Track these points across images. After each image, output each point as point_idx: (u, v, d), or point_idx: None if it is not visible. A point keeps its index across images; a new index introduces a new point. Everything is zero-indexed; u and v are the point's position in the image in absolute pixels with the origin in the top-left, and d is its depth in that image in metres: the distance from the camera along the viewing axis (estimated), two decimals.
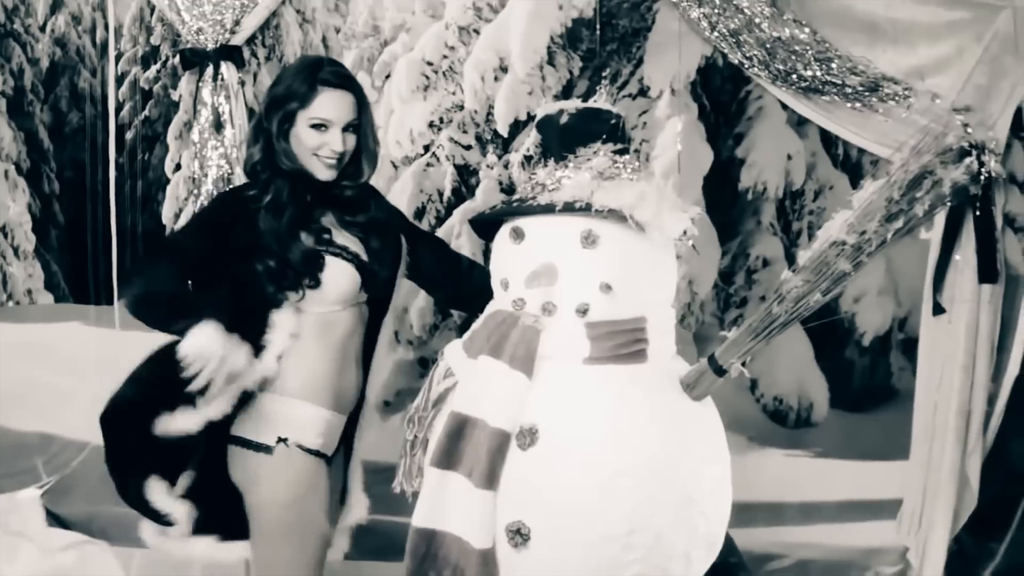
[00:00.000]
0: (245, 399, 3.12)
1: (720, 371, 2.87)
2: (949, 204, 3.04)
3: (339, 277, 3.18)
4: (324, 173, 3.20)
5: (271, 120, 3.19)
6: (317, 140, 3.16)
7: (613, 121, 2.96)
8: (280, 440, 3.17)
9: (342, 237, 3.25)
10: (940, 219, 3.68)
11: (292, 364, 3.17)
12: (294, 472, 3.18)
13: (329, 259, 3.18)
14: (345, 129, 3.19)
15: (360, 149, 3.26)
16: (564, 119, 2.94)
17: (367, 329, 3.38)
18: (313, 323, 3.19)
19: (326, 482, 3.29)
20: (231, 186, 3.23)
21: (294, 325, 3.12)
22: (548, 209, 2.80)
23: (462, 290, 3.58)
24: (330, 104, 3.17)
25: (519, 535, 2.70)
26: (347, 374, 3.30)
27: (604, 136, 2.91)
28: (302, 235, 3.15)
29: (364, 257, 3.26)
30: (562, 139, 2.92)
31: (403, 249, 3.43)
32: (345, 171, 3.25)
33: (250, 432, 3.18)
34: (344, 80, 3.23)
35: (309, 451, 3.20)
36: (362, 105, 3.25)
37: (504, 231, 2.96)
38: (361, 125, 3.24)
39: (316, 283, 3.14)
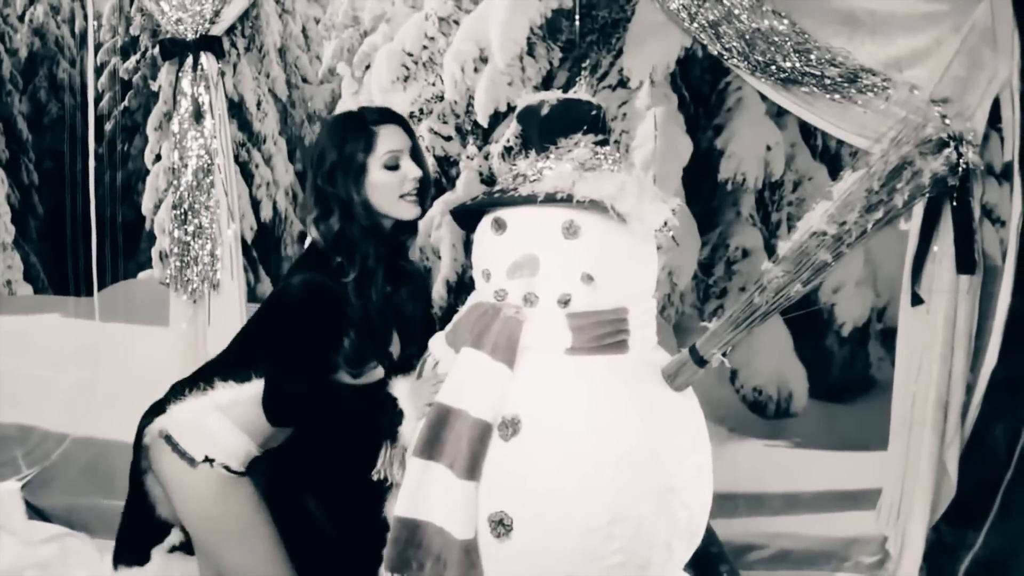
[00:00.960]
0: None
1: (701, 362, 2.87)
2: (928, 195, 3.05)
3: (370, 374, 3.24)
4: (411, 211, 3.23)
5: (344, 180, 3.16)
6: (396, 178, 3.17)
7: (594, 112, 2.97)
8: (207, 459, 3.20)
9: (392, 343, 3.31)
10: (918, 210, 3.69)
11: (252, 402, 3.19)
12: (216, 490, 3.23)
13: None
14: (409, 156, 3.21)
15: (424, 180, 3.28)
16: (545, 110, 2.95)
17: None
18: None
19: (253, 496, 3.30)
20: (303, 277, 3.14)
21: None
22: (530, 200, 2.81)
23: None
24: (391, 137, 3.18)
25: (502, 525, 2.71)
26: None
27: (585, 127, 2.92)
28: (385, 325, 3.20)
29: (397, 353, 3.31)
30: (543, 130, 2.93)
31: (433, 320, 3.50)
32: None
33: (183, 438, 3.22)
34: (391, 115, 3.26)
35: (231, 471, 3.24)
36: (412, 134, 3.27)
37: (486, 222, 2.97)
38: (419, 152, 3.26)
39: (362, 375, 3.19)
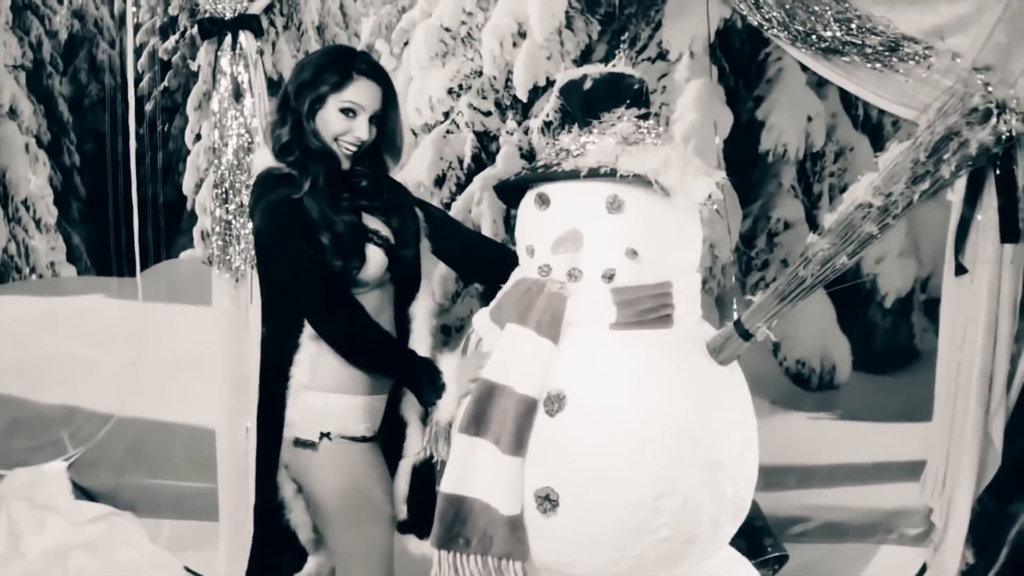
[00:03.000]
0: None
1: (746, 335, 2.86)
2: (975, 165, 3.02)
3: (372, 263, 3.20)
4: (340, 160, 3.23)
5: (302, 100, 3.19)
6: (343, 126, 3.18)
7: (637, 86, 2.95)
8: (323, 435, 3.20)
9: (371, 221, 3.26)
10: (961, 179, 3.66)
11: (321, 357, 3.20)
12: (344, 462, 3.22)
13: (368, 247, 3.19)
14: (371, 119, 3.21)
15: (380, 142, 3.29)
16: (588, 84, 2.93)
17: (396, 306, 3.38)
18: None
19: (380, 463, 3.32)
20: (265, 173, 3.21)
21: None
22: (573, 175, 2.80)
23: (473, 262, 3.62)
24: (363, 91, 3.19)
25: (548, 501, 2.71)
26: None
27: (628, 101, 2.90)
28: (339, 217, 3.16)
29: (392, 239, 3.27)
30: (586, 104, 2.92)
31: (421, 224, 3.44)
32: (365, 162, 3.29)
33: (298, 430, 3.21)
34: (376, 72, 3.26)
35: (356, 439, 3.23)
36: (389, 100, 3.27)
37: (529, 197, 2.96)
38: (387, 119, 3.27)
39: (362, 261, 3.16)
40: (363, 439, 3.25)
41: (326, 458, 3.20)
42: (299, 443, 3.21)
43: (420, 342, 3.32)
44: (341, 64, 3.19)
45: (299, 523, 3.35)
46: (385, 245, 3.23)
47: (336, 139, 3.19)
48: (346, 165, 3.23)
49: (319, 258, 3.07)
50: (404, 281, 3.36)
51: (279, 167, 3.22)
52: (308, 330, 3.18)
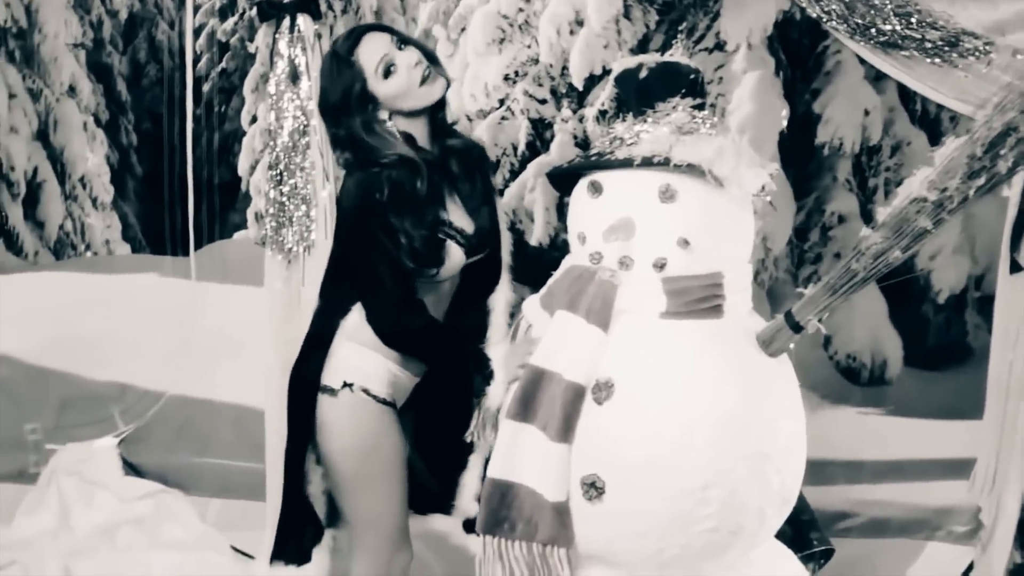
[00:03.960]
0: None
1: (797, 328, 2.85)
2: None
3: (451, 258, 3.23)
4: (439, 88, 3.24)
5: (356, 118, 3.22)
6: (398, 80, 3.19)
7: (692, 76, 2.95)
8: (346, 385, 3.22)
9: (453, 210, 3.28)
10: (1018, 176, 3.63)
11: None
12: (360, 418, 3.24)
13: (447, 243, 3.21)
14: (399, 49, 3.21)
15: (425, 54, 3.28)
16: (643, 74, 2.93)
17: (466, 294, 3.40)
18: None
19: (399, 432, 3.32)
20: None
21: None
22: (626, 163, 2.79)
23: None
24: (370, 47, 3.21)
25: (594, 488, 2.72)
26: None
27: (683, 91, 2.90)
28: (417, 232, 3.17)
29: (470, 230, 3.29)
30: (640, 94, 2.91)
31: (493, 189, 3.46)
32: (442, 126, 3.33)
33: (326, 377, 3.24)
34: (356, 32, 3.28)
35: (376, 399, 3.24)
36: (386, 29, 3.28)
37: (582, 185, 2.96)
38: (403, 39, 3.26)
39: (440, 264, 3.19)
40: (383, 402, 3.26)
41: (342, 409, 3.23)
42: (323, 390, 3.24)
43: (498, 335, 3.32)
44: (340, 62, 3.24)
45: (316, 495, 3.38)
46: (466, 244, 3.24)
47: (421, 84, 3.20)
48: (432, 94, 3.24)
49: (393, 254, 3.09)
50: (483, 273, 3.38)
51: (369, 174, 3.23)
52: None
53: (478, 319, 3.33)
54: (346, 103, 3.19)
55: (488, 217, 3.38)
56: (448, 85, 3.29)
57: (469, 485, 3.32)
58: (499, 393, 3.02)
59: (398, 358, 3.27)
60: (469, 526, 3.32)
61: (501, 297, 3.37)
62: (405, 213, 3.12)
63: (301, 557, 3.38)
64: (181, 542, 4.79)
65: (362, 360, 3.24)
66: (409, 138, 3.24)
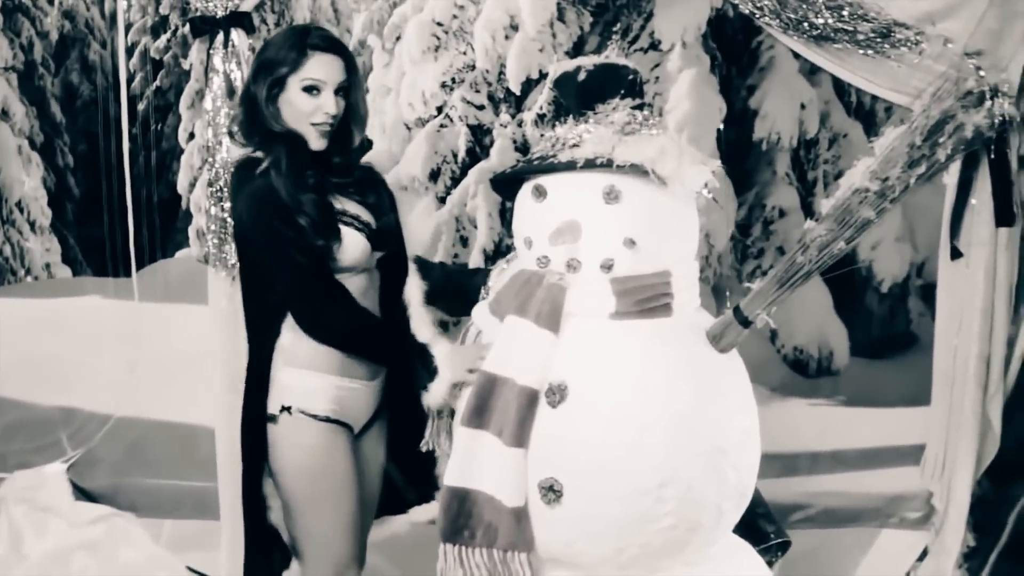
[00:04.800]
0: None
1: (746, 322, 2.87)
2: (971, 149, 3.04)
3: (353, 246, 3.18)
4: (317, 142, 3.20)
5: (259, 84, 3.17)
6: (311, 105, 3.15)
7: (631, 76, 2.96)
8: (284, 408, 3.19)
9: (347, 204, 3.25)
10: (956, 164, 3.67)
11: (299, 338, 3.20)
12: (302, 440, 3.20)
13: (344, 228, 3.18)
14: (336, 92, 3.19)
15: (348, 114, 3.27)
16: (582, 76, 2.93)
17: (383, 290, 3.37)
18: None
19: (348, 451, 3.28)
20: (239, 162, 3.22)
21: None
22: (570, 166, 2.80)
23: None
24: (322, 66, 3.16)
25: (552, 492, 2.72)
26: None
27: (623, 91, 2.91)
28: (305, 196, 3.15)
29: (372, 221, 3.26)
30: (581, 96, 2.92)
31: (394, 197, 3.44)
32: (333, 137, 3.26)
33: (269, 407, 3.21)
34: (333, 44, 3.22)
35: (317, 418, 3.21)
36: (351, 68, 3.25)
37: (526, 189, 2.96)
38: (351, 88, 3.24)
39: (338, 238, 3.14)
40: (326, 419, 3.22)
41: (284, 433, 3.19)
42: (268, 418, 3.21)
43: (422, 328, 3.30)
44: (295, 43, 3.16)
45: (279, 522, 3.35)
46: (365, 229, 3.22)
47: (311, 122, 3.17)
48: (321, 144, 3.20)
49: (300, 240, 3.06)
50: (391, 267, 3.35)
51: (252, 155, 3.22)
52: (289, 318, 3.19)
53: (401, 313, 3.33)
54: (269, 67, 3.17)
55: (395, 220, 3.36)
56: (331, 149, 3.27)
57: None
58: (442, 390, 3.02)
59: (340, 368, 3.24)
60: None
61: (414, 289, 3.36)
62: (289, 187, 3.10)
63: None
64: (135, 565, 4.75)
65: (299, 381, 3.20)
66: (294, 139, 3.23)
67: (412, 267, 3.37)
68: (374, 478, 3.43)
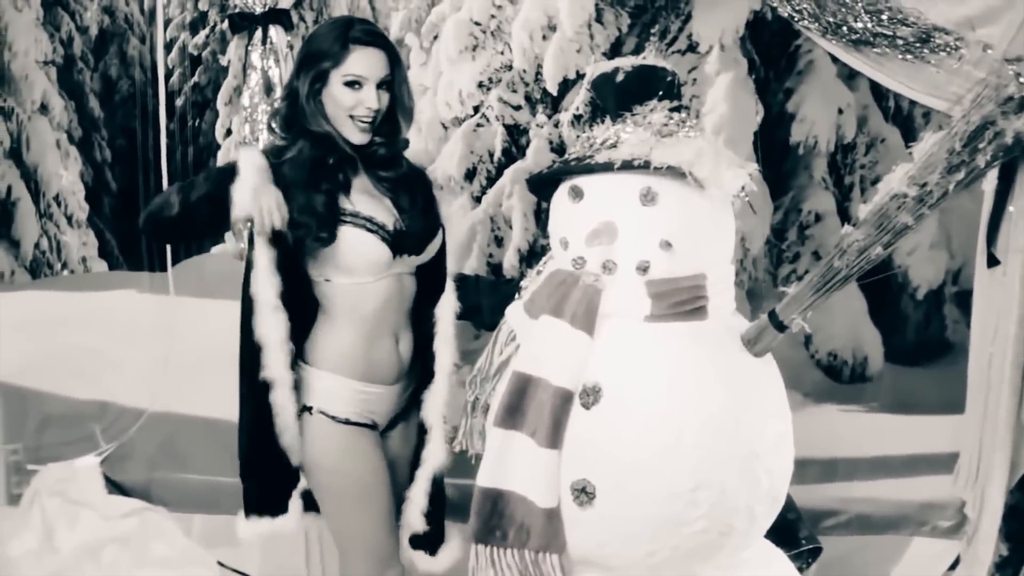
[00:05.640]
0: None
1: (781, 327, 2.86)
2: (1011, 155, 3.02)
3: (362, 247, 3.16)
4: (358, 136, 3.19)
5: (302, 79, 3.17)
6: (352, 99, 3.14)
7: (669, 79, 2.96)
8: (305, 408, 3.21)
9: (368, 206, 3.22)
10: (994, 170, 3.65)
11: (321, 337, 3.22)
12: (324, 440, 3.22)
13: (351, 229, 3.15)
14: (379, 87, 3.17)
15: (394, 106, 3.24)
16: (620, 77, 2.93)
17: (420, 296, 3.36)
18: (342, 296, 3.19)
19: (376, 451, 3.29)
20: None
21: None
22: (607, 167, 2.80)
23: None
24: (363, 61, 3.15)
25: (584, 493, 2.72)
26: (380, 346, 3.27)
27: (660, 93, 2.91)
28: (316, 196, 3.13)
29: (391, 225, 3.22)
30: (618, 97, 2.92)
31: (438, 206, 3.43)
32: (380, 130, 3.23)
33: (301, 397, 3.22)
34: (376, 37, 3.21)
35: (336, 420, 3.23)
36: (395, 62, 3.23)
37: (562, 190, 2.96)
38: (395, 82, 3.22)
39: (330, 238, 3.12)
40: (346, 422, 3.23)
41: (309, 431, 3.21)
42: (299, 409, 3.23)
43: (445, 346, 3.33)
44: (337, 36, 3.15)
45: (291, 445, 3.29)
46: (379, 231, 3.19)
47: (350, 115, 3.16)
48: (363, 138, 3.19)
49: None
50: (427, 277, 3.35)
51: (280, 144, 3.22)
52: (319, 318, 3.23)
53: (429, 327, 3.35)
54: (312, 61, 3.16)
55: (424, 224, 3.33)
56: (374, 143, 3.26)
57: (415, 500, 3.34)
58: (245, 199, 2.96)
59: (363, 372, 3.25)
60: (416, 542, 3.35)
61: (446, 306, 3.35)
62: (306, 185, 3.10)
63: (275, 508, 3.34)
64: (167, 559, 4.76)
65: (320, 383, 3.22)
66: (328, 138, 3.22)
67: (450, 284, 3.37)
68: (403, 478, 3.43)
